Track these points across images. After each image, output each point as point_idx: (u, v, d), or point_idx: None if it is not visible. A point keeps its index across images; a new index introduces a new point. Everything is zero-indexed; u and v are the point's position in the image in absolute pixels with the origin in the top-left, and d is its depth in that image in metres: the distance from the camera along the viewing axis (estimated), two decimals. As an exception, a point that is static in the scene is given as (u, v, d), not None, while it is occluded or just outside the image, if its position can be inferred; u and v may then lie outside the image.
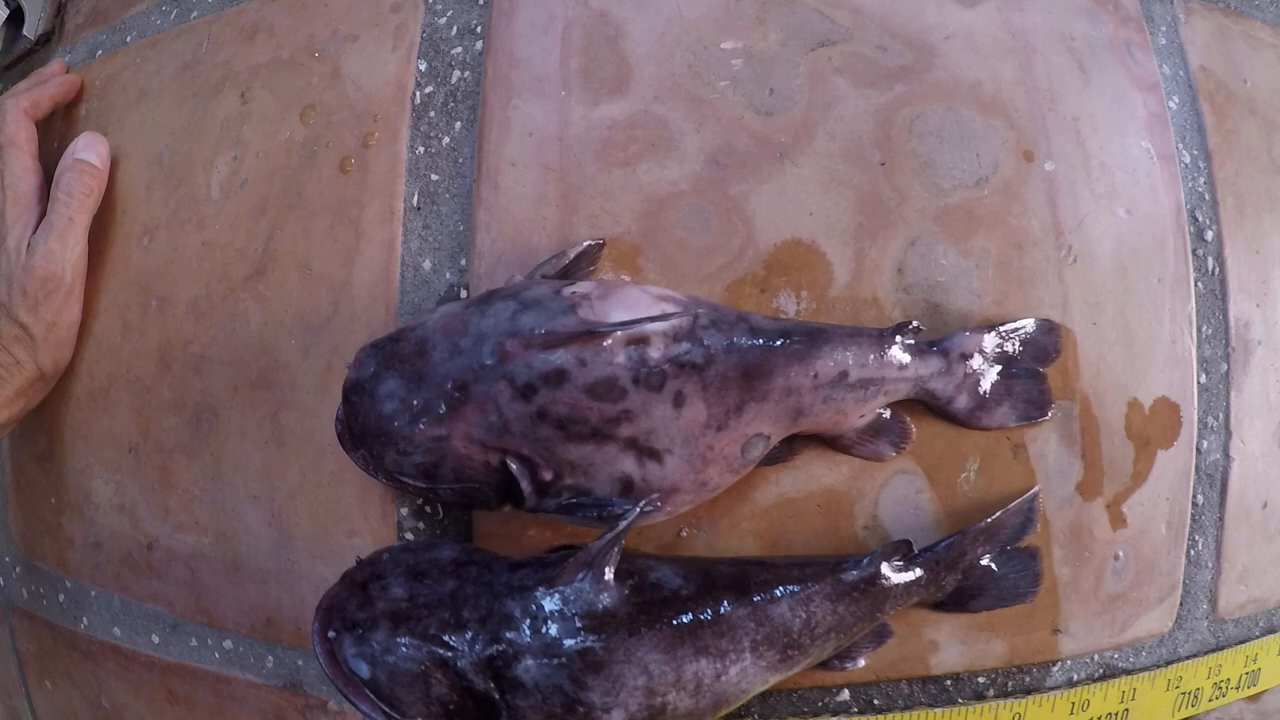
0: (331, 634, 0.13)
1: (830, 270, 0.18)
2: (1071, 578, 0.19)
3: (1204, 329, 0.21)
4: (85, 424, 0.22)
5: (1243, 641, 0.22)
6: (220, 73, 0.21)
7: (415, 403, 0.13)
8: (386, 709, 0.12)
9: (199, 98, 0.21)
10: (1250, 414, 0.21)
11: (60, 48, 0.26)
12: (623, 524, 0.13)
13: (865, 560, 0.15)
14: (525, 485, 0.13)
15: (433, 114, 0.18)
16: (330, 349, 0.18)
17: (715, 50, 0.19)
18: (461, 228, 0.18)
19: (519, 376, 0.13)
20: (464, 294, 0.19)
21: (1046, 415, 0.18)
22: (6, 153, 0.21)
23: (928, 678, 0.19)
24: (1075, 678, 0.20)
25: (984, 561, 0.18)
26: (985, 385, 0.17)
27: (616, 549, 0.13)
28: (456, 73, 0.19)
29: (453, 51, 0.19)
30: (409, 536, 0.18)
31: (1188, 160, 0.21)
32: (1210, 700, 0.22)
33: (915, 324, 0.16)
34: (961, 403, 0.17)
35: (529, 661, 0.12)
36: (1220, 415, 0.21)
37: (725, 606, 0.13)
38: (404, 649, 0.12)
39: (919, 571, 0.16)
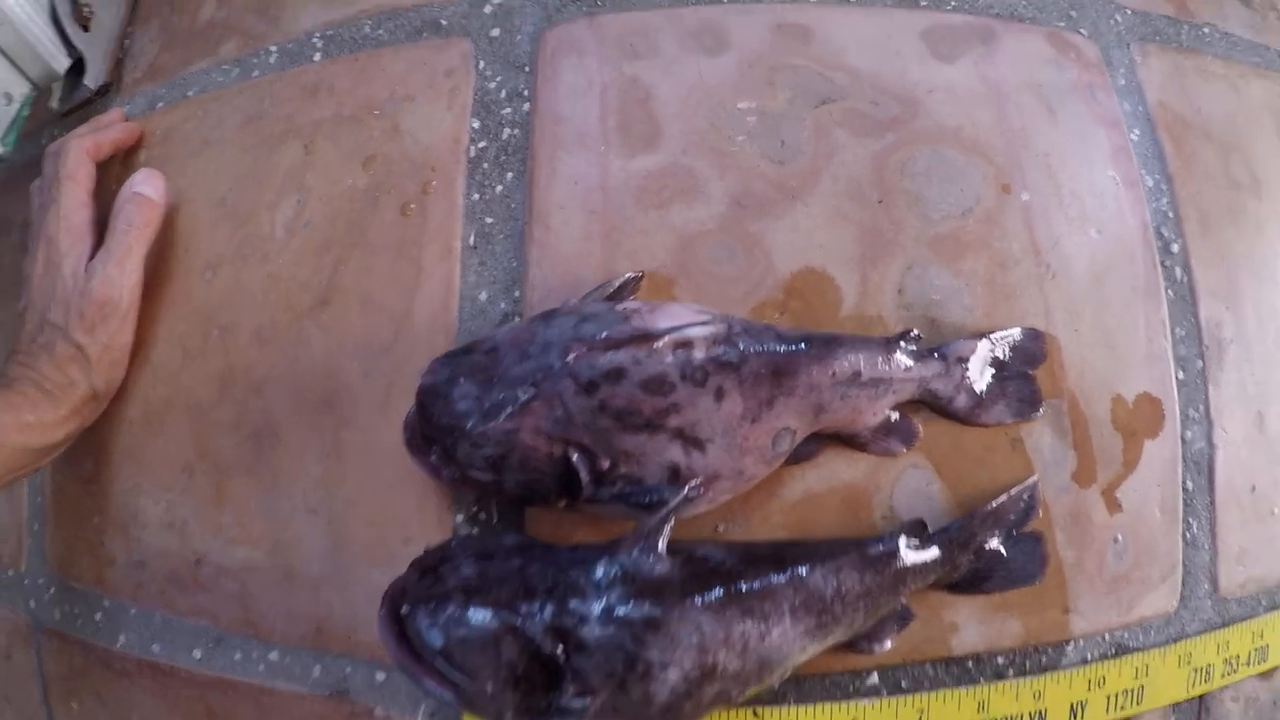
0: (405, 609, 0.16)
1: (839, 293, 0.23)
2: (1076, 560, 0.23)
3: (1177, 331, 0.25)
4: (138, 447, 0.26)
5: (1248, 619, 0.25)
6: (283, 126, 0.26)
7: (488, 401, 0.16)
8: (457, 678, 0.15)
9: (262, 147, 0.26)
10: (1229, 405, 0.25)
11: (119, 98, 0.31)
12: (674, 501, 0.17)
13: (887, 536, 0.19)
14: (584, 474, 0.16)
15: (486, 165, 0.23)
16: (391, 371, 0.23)
17: (732, 109, 0.24)
18: (514, 263, 0.22)
19: (583, 374, 0.16)
20: (518, 320, 0.23)
21: (1039, 412, 0.22)
22: (65, 186, 0.25)
23: (950, 659, 0.22)
24: (1089, 656, 0.23)
25: (993, 545, 0.21)
26: (981, 386, 0.21)
27: (668, 525, 0.17)
28: (507, 130, 0.24)
29: (503, 111, 0.24)
30: (469, 541, 0.22)
31: (1150, 184, 0.26)
32: (1223, 677, 0.25)
33: (915, 332, 0.20)
34: (961, 402, 0.21)
35: (593, 624, 0.15)
36: (1201, 407, 0.25)
37: (765, 575, 0.17)
38: (476, 618, 0.15)
39: (934, 550, 0.20)
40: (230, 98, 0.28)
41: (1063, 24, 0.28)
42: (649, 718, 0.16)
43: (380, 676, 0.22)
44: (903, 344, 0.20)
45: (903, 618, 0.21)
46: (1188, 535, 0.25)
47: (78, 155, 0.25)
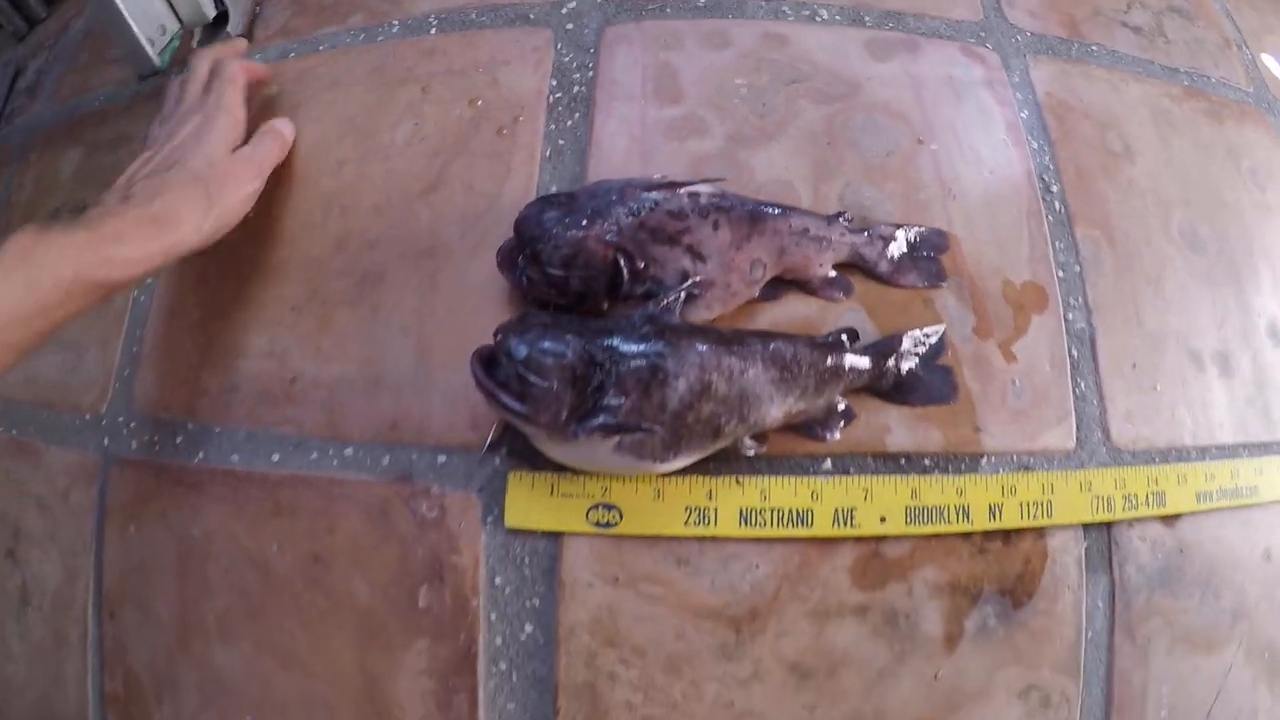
0: (497, 334, 0.26)
1: (799, 198, 0.35)
2: (981, 392, 0.33)
3: (1058, 244, 0.36)
4: (251, 295, 0.35)
5: (1142, 466, 0.33)
6: (404, 74, 0.39)
7: (567, 219, 0.28)
8: (532, 378, 0.25)
9: (386, 88, 0.39)
10: (1107, 300, 0.36)
11: (251, 50, 0.42)
12: (684, 285, 0.28)
13: (830, 333, 0.30)
14: (625, 270, 0.28)
15: (560, 109, 0.37)
16: (482, 232, 0.34)
17: (731, 83, 0.38)
18: (578, 169, 0.35)
19: (631, 204, 0.28)
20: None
21: (943, 282, 0.33)
22: (229, 86, 0.34)
23: (886, 454, 0.31)
24: (1001, 470, 0.32)
25: (913, 368, 0.31)
26: (897, 256, 0.33)
27: (679, 301, 0.28)
28: (576, 87, 0.38)
29: (573, 75, 0.38)
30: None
31: (1035, 146, 0.39)
32: (1124, 510, 0.33)
33: (849, 214, 0.32)
34: (883, 267, 0.33)
35: (630, 346, 0.26)
36: (1080, 298, 0.36)
37: (745, 337, 0.28)
38: (549, 339, 0.25)
39: (866, 356, 0.30)
40: (357, 53, 0.41)
41: (973, 40, 0.42)
42: (663, 421, 0.26)
43: (441, 459, 0.32)
44: (840, 219, 0.32)
45: (847, 416, 0.31)
46: (1077, 390, 0.34)
47: (236, 68, 0.35)
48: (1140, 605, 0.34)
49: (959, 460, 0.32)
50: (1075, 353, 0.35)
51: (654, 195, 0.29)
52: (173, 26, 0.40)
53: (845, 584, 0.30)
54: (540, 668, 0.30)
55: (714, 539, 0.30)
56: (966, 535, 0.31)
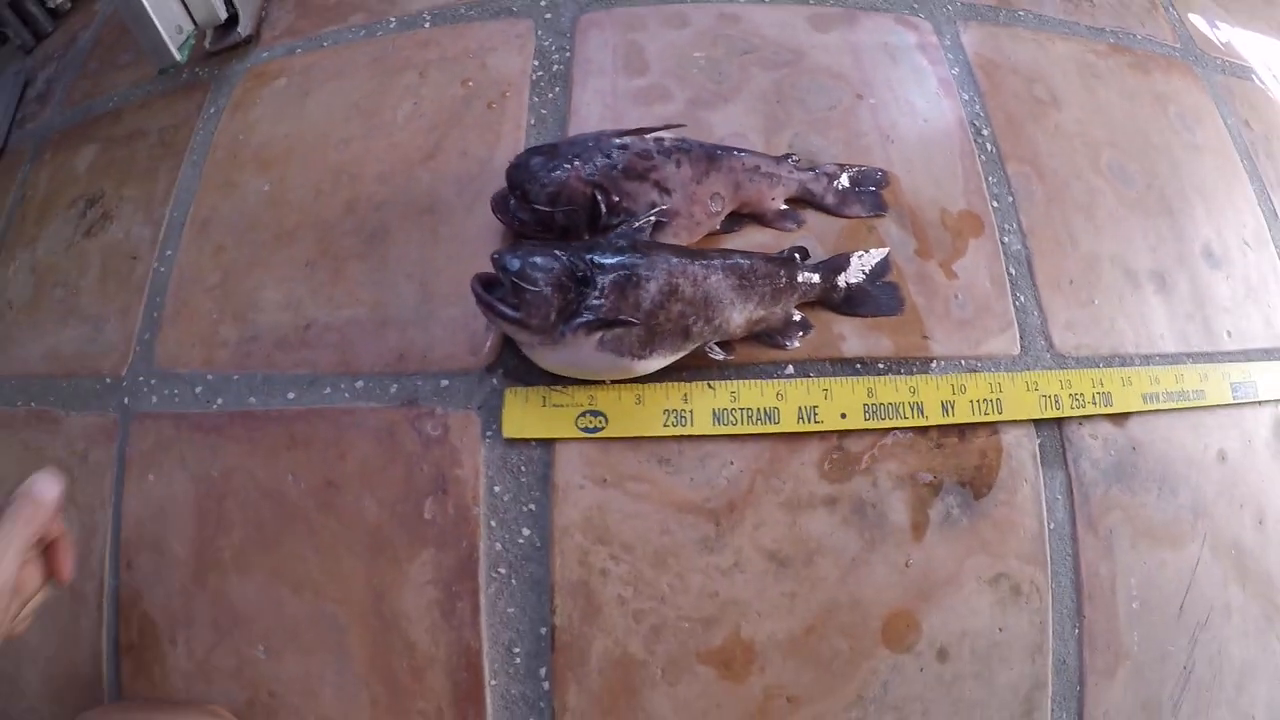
0: (494, 255, 0.33)
1: (754, 148, 0.43)
2: (926, 305, 0.40)
3: (990, 179, 0.44)
4: (266, 257, 0.42)
5: (1086, 370, 0.40)
6: (403, 62, 0.49)
7: (551, 164, 0.36)
8: (524, 286, 0.32)
9: (387, 74, 0.48)
10: (1039, 227, 0.44)
11: (258, 48, 0.51)
12: (652, 212, 0.35)
13: (783, 250, 0.37)
14: (603, 203, 0.35)
15: (542, 84, 0.46)
16: (476, 191, 0.42)
17: (690, 56, 0.47)
18: (559, 134, 0.44)
19: (605, 149, 0.36)
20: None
21: (885, 212, 0.41)
22: (14, 545, 0.29)
23: (842, 359, 0.38)
24: (950, 372, 0.39)
25: (860, 283, 0.39)
26: (842, 189, 0.41)
27: (650, 224, 0.35)
28: (556, 66, 0.46)
29: (553, 56, 0.47)
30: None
31: (966, 98, 0.47)
32: (1072, 409, 0.40)
33: (796, 156, 0.40)
34: (830, 199, 0.41)
35: (608, 256, 0.33)
36: (1014, 224, 0.43)
37: (707, 252, 0.35)
38: (539, 254, 0.32)
39: (816, 272, 0.37)
40: (359, 46, 0.51)
41: (907, 11, 0.51)
42: (639, 318, 0.33)
43: (444, 383, 0.39)
44: (789, 159, 0.41)
45: (804, 327, 0.38)
46: (1017, 303, 0.42)
47: (32, 533, 0.30)
48: (1098, 498, 0.40)
49: (910, 363, 0.39)
50: (1013, 271, 0.42)
51: (624, 140, 0.37)
52: (188, 27, 0.50)
53: (814, 477, 0.37)
54: (537, 570, 0.36)
55: (691, 438, 0.36)
56: (923, 430, 0.38)
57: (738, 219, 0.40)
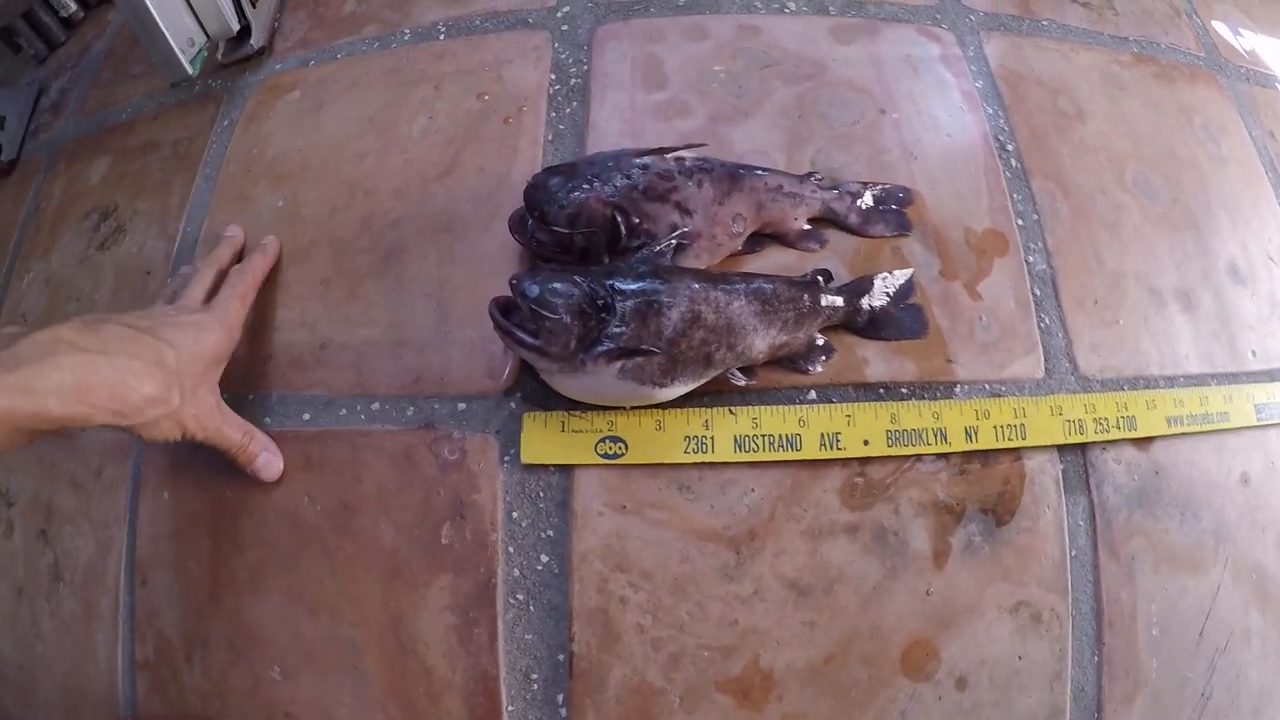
0: (513, 280, 0.32)
1: (776, 165, 0.42)
2: (951, 327, 0.39)
3: (1015, 196, 0.43)
4: (281, 275, 0.41)
5: (1110, 393, 0.39)
6: (418, 75, 0.48)
7: (570, 184, 0.35)
8: (544, 313, 0.31)
9: (401, 87, 0.47)
10: (1065, 245, 0.43)
11: (271, 60, 0.50)
12: (674, 235, 0.34)
13: (806, 274, 0.36)
14: (623, 225, 0.34)
15: (559, 99, 0.44)
16: (493, 207, 0.41)
17: (710, 69, 0.45)
18: (577, 150, 0.43)
19: (625, 168, 0.35)
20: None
21: (909, 231, 0.40)
22: (236, 303, 0.37)
23: (865, 384, 0.37)
24: (974, 396, 0.38)
25: (885, 306, 0.38)
26: (866, 208, 0.39)
27: (671, 248, 0.34)
28: (573, 79, 0.45)
29: (570, 69, 0.46)
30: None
31: (990, 111, 0.46)
32: (1096, 433, 0.39)
33: (818, 174, 0.39)
34: (853, 220, 0.39)
35: (629, 283, 0.32)
36: (1039, 243, 0.42)
37: (730, 276, 0.34)
38: (559, 280, 0.32)
39: (840, 295, 0.37)
40: (373, 58, 0.50)
41: (929, 22, 0.50)
42: (661, 347, 0.32)
43: (461, 406, 0.38)
44: (812, 178, 0.39)
45: (827, 351, 0.37)
46: (1042, 325, 0.41)
47: (250, 285, 0.39)
48: (1121, 524, 0.39)
49: (934, 388, 0.38)
50: (1038, 291, 0.41)
51: (644, 160, 0.36)
52: (200, 39, 0.48)
53: (835, 504, 0.36)
54: (555, 596, 0.35)
55: (712, 465, 0.35)
56: (946, 456, 0.37)
57: (759, 239, 0.39)
